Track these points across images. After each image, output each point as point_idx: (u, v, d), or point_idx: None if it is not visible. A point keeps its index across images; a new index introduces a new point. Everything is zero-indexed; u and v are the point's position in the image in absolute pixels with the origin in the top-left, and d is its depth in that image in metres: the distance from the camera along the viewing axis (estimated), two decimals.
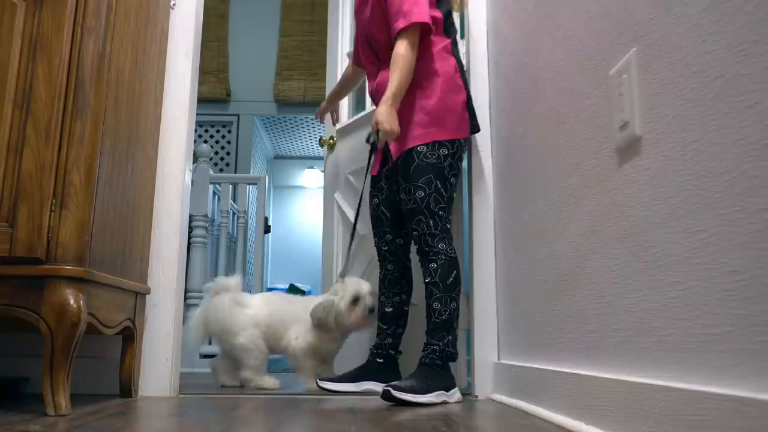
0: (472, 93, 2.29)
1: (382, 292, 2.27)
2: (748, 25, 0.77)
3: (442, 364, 1.93)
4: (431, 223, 2.01)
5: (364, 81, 2.70)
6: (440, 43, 2.14)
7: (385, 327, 2.24)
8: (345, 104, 3.08)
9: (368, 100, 2.89)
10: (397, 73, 2.00)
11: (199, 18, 2.30)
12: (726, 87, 0.82)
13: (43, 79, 1.55)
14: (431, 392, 1.83)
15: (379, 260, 2.30)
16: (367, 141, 2.18)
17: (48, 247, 1.49)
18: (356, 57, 2.47)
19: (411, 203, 2.03)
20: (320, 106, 2.79)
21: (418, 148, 2.04)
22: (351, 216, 2.80)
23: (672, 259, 0.95)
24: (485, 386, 2.10)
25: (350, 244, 2.36)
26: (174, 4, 2.21)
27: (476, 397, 2.09)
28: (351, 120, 2.95)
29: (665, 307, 0.97)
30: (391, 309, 2.24)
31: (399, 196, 2.13)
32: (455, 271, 2.00)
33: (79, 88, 1.57)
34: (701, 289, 0.87)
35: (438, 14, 2.15)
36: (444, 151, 2.04)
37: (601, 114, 1.23)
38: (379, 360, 2.22)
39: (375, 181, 2.30)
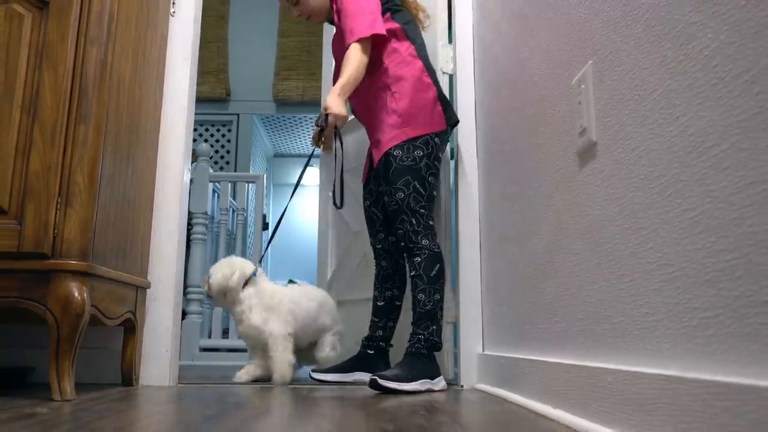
0: (459, 96, 2.40)
1: (376, 287, 2.38)
2: (675, 46, 0.87)
3: (427, 353, 2.02)
4: (413, 221, 2.11)
5: None
6: (404, 49, 2.26)
7: (376, 320, 2.35)
8: None
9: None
10: (347, 69, 2.14)
11: (197, 24, 2.40)
12: (659, 100, 0.92)
13: (49, 86, 1.65)
14: (416, 380, 1.92)
15: (374, 257, 2.41)
16: (316, 124, 2.25)
17: (54, 243, 1.59)
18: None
19: (393, 204, 2.14)
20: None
21: (394, 152, 2.14)
22: (344, 214, 2.91)
23: (620, 253, 1.05)
24: (470, 376, 2.21)
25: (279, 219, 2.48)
26: (174, 12, 2.31)
27: (462, 386, 2.19)
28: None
29: (616, 298, 1.07)
30: (383, 303, 2.34)
31: (384, 198, 2.23)
32: (438, 265, 2.09)
33: (83, 94, 1.67)
34: (642, 281, 0.97)
35: (395, 25, 2.27)
36: (419, 153, 2.14)
37: (566, 120, 1.33)
38: (369, 351, 2.33)
39: (366, 185, 2.44)
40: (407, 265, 2.16)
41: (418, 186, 2.13)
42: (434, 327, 2.05)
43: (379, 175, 2.23)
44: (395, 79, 2.21)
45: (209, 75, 6.09)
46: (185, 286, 3.62)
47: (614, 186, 1.08)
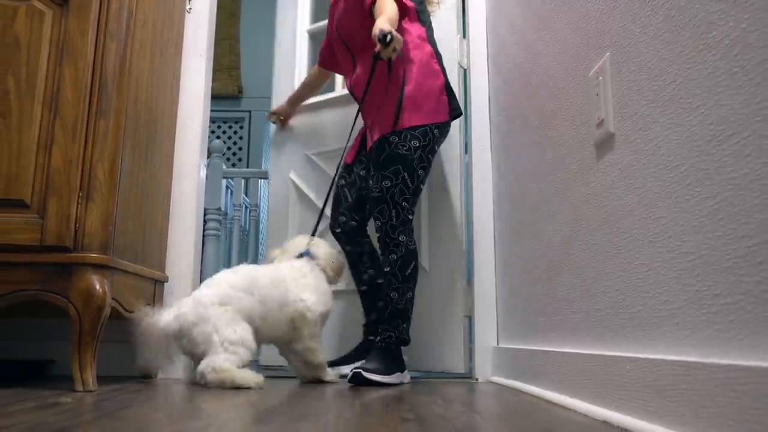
0: (473, 90, 2.41)
1: (352, 275, 2.35)
2: (695, 36, 0.88)
3: (395, 349, 2.04)
4: (393, 213, 2.05)
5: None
6: (415, 31, 2.20)
7: (366, 305, 2.33)
8: (297, 80, 2.91)
9: (338, 84, 2.92)
10: (386, 8, 2.03)
11: (212, 20, 2.42)
12: (679, 90, 0.92)
13: (70, 82, 1.67)
14: (393, 374, 1.97)
15: (339, 245, 2.34)
16: (380, 41, 1.95)
17: (75, 237, 1.62)
18: (325, 59, 2.51)
19: (377, 191, 2.08)
20: (278, 107, 2.81)
21: (391, 138, 2.07)
22: (312, 196, 2.78)
23: (639, 243, 1.06)
24: (485, 369, 2.22)
25: (316, 226, 2.21)
26: (189, 9, 2.33)
27: (476, 379, 2.21)
28: (315, 99, 2.86)
29: (634, 287, 1.08)
30: (365, 287, 2.32)
31: (368, 182, 2.17)
32: (413, 263, 2.07)
33: (103, 90, 1.69)
34: (662, 269, 0.98)
35: (410, 3, 2.20)
36: (415, 143, 2.07)
37: (583, 112, 1.34)
38: (371, 337, 2.26)
39: (348, 166, 2.36)
40: (381, 258, 2.13)
41: (406, 177, 2.07)
42: (405, 325, 2.06)
43: (370, 158, 2.18)
44: (403, 61, 2.13)
45: (221, 72, 6.12)
46: (200, 282, 3.64)
47: (633, 176, 1.09)
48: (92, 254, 1.62)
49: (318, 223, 2.19)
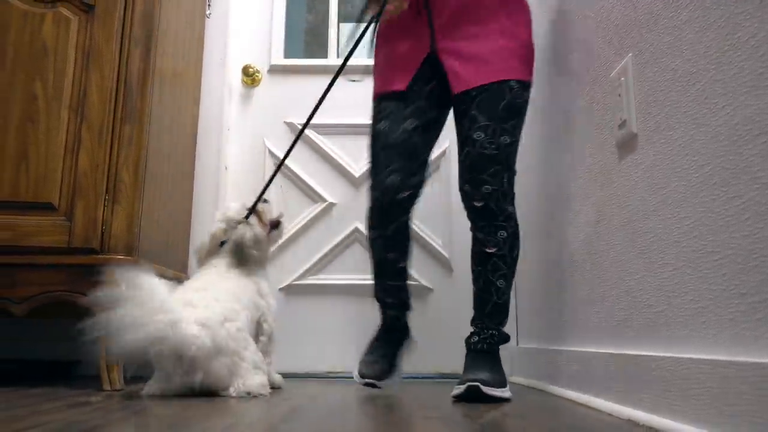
0: None
1: (391, 258, 1.72)
2: (720, 36, 0.89)
3: (497, 350, 1.63)
4: (505, 180, 1.60)
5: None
6: None
7: (398, 283, 1.74)
8: (280, 40, 2.69)
9: (332, 45, 2.69)
10: None
11: (231, 24, 2.45)
12: (704, 90, 0.93)
13: (96, 87, 1.71)
14: (506, 385, 1.55)
15: (385, 208, 1.67)
16: (360, 19, 1.68)
17: (102, 239, 1.65)
18: None
19: (492, 148, 1.58)
20: None
21: (514, 85, 1.61)
22: (291, 164, 2.51)
23: (663, 243, 1.07)
24: (505, 369, 2.22)
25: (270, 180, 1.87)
26: (209, 14, 2.36)
27: None
28: (293, 61, 2.67)
29: (658, 287, 1.09)
30: (404, 264, 1.74)
31: (466, 134, 1.63)
32: (519, 242, 1.66)
33: (128, 94, 1.72)
34: (686, 269, 0.99)
35: None
36: (527, 97, 1.66)
37: (604, 113, 1.35)
38: (401, 321, 1.77)
39: (404, 97, 1.69)
40: (479, 236, 1.63)
41: (520, 138, 1.65)
42: (506, 319, 1.66)
43: (462, 100, 1.63)
44: (517, 3, 1.71)
45: None
46: None
47: (656, 177, 1.09)
48: (118, 256, 1.64)
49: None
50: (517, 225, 1.63)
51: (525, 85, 1.64)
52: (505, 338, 1.67)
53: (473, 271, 1.66)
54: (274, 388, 1.68)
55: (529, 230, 2.04)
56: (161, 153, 1.88)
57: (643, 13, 1.15)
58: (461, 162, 1.64)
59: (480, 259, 1.63)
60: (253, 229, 1.77)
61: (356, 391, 1.71)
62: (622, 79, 1.23)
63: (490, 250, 1.60)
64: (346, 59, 1.70)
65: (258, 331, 1.70)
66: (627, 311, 1.22)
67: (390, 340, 1.74)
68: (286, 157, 1.82)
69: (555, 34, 1.76)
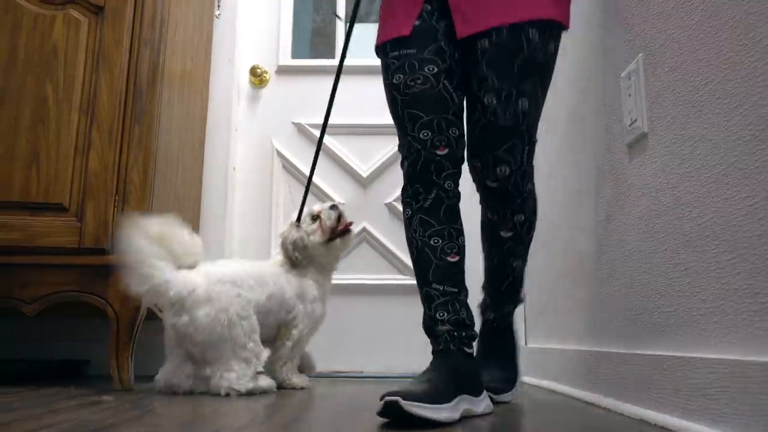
0: None
1: (436, 230, 1.29)
2: (733, 37, 0.89)
3: (513, 328, 1.54)
4: (525, 153, 1.31)
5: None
6: None
7: (452, 289, 1.28)
8: (288, 41, 2.69)
9: (339, 46, 2.68)
10: None
11: (239, 25, 2.45)
12: (716, 90, 0.93)
13: (106, 88, 1.72)
14: (515, 382, 1.48)
15: (418, 172, 1.29)
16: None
17: (112, 239, 1.65)
18: None
19: (506, 117, 1.27)
20: None
21: (531, 32, 1.25)
22: (299, 165, 2.56)
23: (674, 243, 1.07)
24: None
25: (306, 193, 1.86)
26: (219, 14, 2.37)
27: None
28: (301, 62, 2.69)
29: (670, 286, 1.09)
30: (457, 258, 1.29)
31: (475, 95, 1.31)
32: (536, 216, 1.45)
33: (137, 95, 1.73)
34: (699, 269, 0.99)
35: None
36: (552, 48, 1.31)
37: (614, 112, 1.35)
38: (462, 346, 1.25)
39: (414, 42, 1.31)
40: (495, 218, 1.39)
41: (542, 97, 1.33)
42: (522, 290, 1.53)
43: (471, 54, 1.30)
44: None
45: None
46: None
47: (668, 176, 1.09)
48: None
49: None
50: (535, 200, 1.42)
51: (553, 30, 1.30)
52: (518, 305, 1.55)
53: (485, 247, 1.46)
54: (283, 388, 1.68)
55: (540, 229, 2.04)
56: (170, 153, 1.89)
57: (655, 12, 1.15)
58: (470, 130, 1.34)
59: (494, 242, 1.43)
60: (299, 233, 1.78)
61: (367, 390, 1.71)
62: (633, 78, 1.23)
63: (506, 235, 1.40)
64: (342, 57, 1.63)
65: (283, 333, 1.72)
66: (638, 311, 1.22)
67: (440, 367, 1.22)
68: (315, 159, 1.82)
69: (565, 32, 1.75)
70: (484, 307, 1.52)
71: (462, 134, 1.32)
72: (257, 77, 2.55)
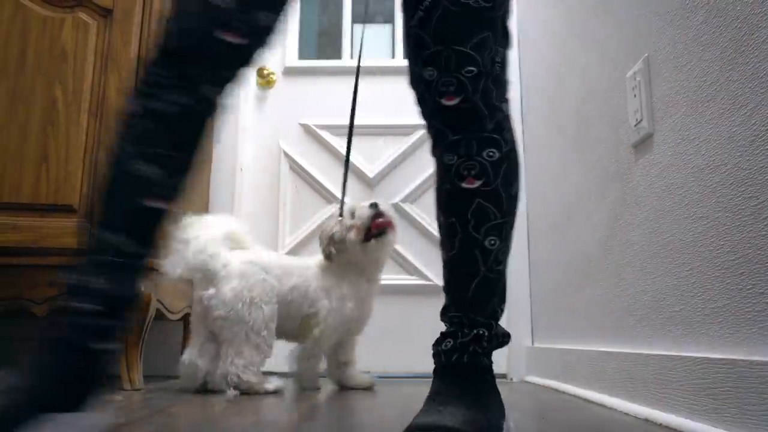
0: None
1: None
2: (737, 37, 0.89)
3: (490, 365, 0.91)
4: (499, 55, 0.92)
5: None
6: None
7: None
8: (294, 42, 2.70)
9: (345, 47, 2.72)
10: None
11: None
12: (720, 91, 0.93)
13: (115, 90, 1.73)
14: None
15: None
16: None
17: None
18: None
19: None
20: None
21: None
22: (306, 166, 2.54)
23: (680, 243, 1.07)
24: (519, 369, 2.23)
25: (344, 187, 1.79)
26: None
27: (511, 379, 2.21)
28: (307, 63, 2.70)
29: (675, 286, 1.09)
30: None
31: None
32: (519, 170, 0.95)
33: None
34: (704, 268, 0.99)
35: None
36: None
37: (620, 113, 1.35)
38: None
39: None
40: (449, 160, 0.90)
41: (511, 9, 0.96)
42: (503, 305, 0.97)
43: None
44: None
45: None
46: None
47: (672, 176, 1.10)
48: None
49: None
50: (514, 141, 0.95)
51: None
52: (502, 339, 0.94)
53: (440, 227, 0.95)
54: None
55: (545, 229, 2.05)
56: None
57: (659, 13, 1.16)
58: (416, 25, 0.91)
59: (451, 203, 0.92)
60: (338, 228, 1.74)
61: (376, 392, 1.72)
62: (638, 79, 1.23)
63: (471, 185, 0.89)
64: (360, 57, 1.63)
65: (306, 327, 1.70)
66: (643, 310, 1.22)
67: None
68: (347, 159, 1.82)
69: (570, 33, 1.76)
70: (441, 336, 0.92)
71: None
72: (264, 78, 2.56)
